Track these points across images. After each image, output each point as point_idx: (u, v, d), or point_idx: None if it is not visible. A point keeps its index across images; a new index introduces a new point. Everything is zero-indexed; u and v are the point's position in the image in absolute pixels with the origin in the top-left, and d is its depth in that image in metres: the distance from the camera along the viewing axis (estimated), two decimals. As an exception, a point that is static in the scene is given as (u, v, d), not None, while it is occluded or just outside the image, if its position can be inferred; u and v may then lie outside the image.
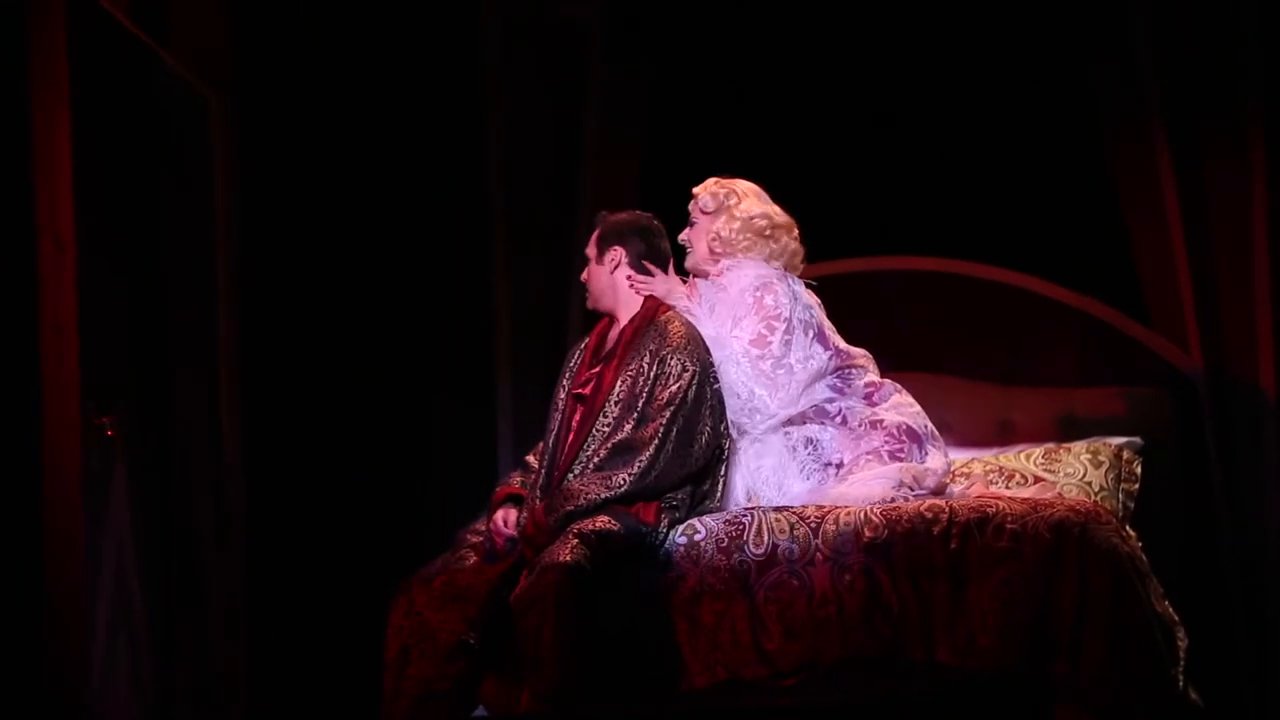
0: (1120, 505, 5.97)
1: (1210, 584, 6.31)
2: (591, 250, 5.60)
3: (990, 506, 5.27)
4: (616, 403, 5.41)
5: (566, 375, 5.60)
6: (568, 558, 5.09)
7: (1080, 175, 6.78)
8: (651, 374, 5.40)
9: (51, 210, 4.81)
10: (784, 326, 5.56)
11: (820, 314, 5.67)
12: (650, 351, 5.43)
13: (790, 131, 6.80)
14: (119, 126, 5.29)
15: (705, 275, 5.66)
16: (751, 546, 5.35)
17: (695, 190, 5.71)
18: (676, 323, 5.48)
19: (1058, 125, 6.80)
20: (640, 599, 5.32)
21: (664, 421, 5.37)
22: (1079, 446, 6.13)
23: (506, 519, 5.44)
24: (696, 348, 5.44)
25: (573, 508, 5.30)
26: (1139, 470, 6.14)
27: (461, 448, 6.59)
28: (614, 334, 5.59)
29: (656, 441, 5.36)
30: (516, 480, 5.61)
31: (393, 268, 6.60)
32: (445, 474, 6.49)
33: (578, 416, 5.48)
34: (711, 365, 5.48)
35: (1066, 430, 6.40)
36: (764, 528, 5.36)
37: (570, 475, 5.38)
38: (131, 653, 5.18)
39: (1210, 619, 6.09)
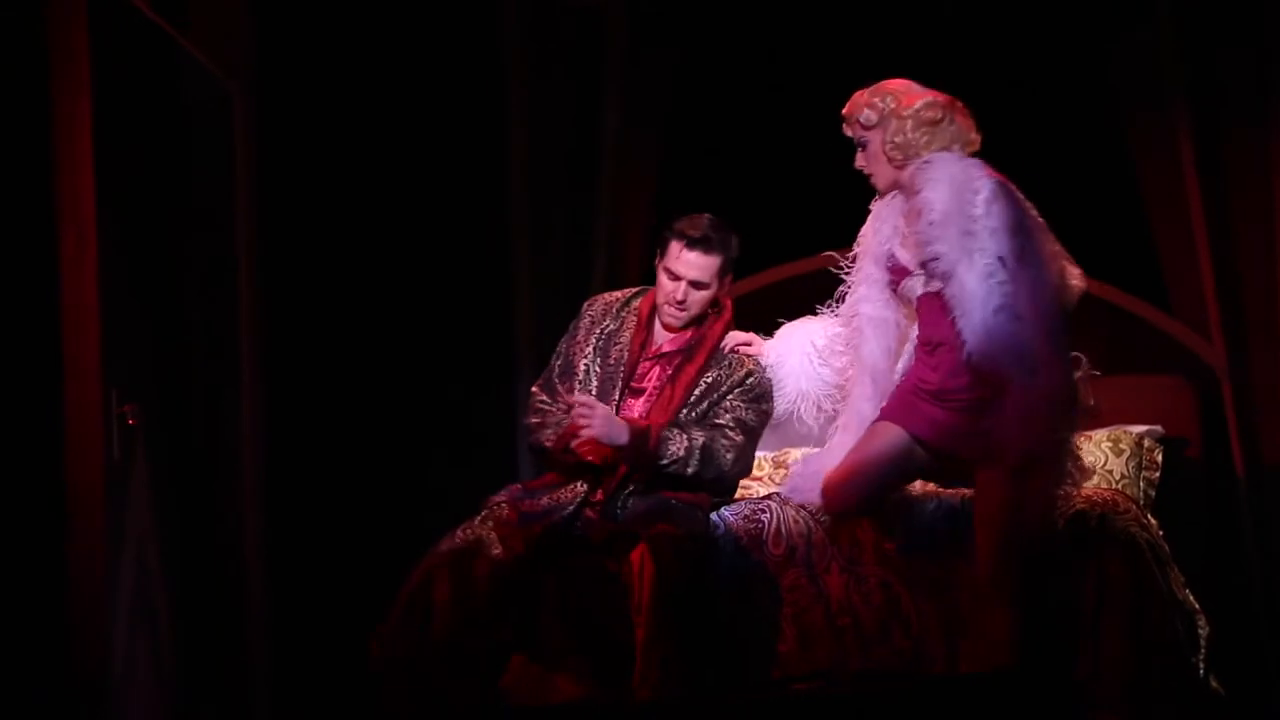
0: (1141, 493, 5.97)
1: (1232, 572, 6.30)
2: (716, 277, 5.43)
3: None
4: (702, 397, 5.43)
5: (601, 333, 5.53)
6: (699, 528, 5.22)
7: (1102, 164, 6.76)
8: (735, 384, 5.44)
9: (73, 202, 4.82)
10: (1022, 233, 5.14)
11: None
12: (735, 363, 5.47)
13: (812, 121, 6.78)
14: (140, 118, 5.29)
15: (892, 190, 5.24)
16: (770, 546, 5.34)
17: (846, 112, 5.20)
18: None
19: (1080, 114, 6.78)
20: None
21: (749, 429, 5.43)
22: (1100, 434, 6.12)
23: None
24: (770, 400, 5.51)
25: (683, 451, 5.31)
26: (1160, 458, 6.13)
27: (481, 437, 6.59)
28: (672, 334, 5.53)
29: (743, 442, 5.40)
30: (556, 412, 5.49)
31: (413, 258, 6.61)
32: (466, 464, 6.50)
33: (651, 392, 5.46)
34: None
35: (1088, 418, 6.38)
36: (782, 529, 5.35)
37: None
38: (152, 642, 5.19)
39: (1232, 607, 6.08)
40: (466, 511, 6.06)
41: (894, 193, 5.24)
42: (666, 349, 5.49)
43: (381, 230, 6.60)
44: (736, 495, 5.68)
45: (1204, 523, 6.32)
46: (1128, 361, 6.56)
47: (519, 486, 5.52)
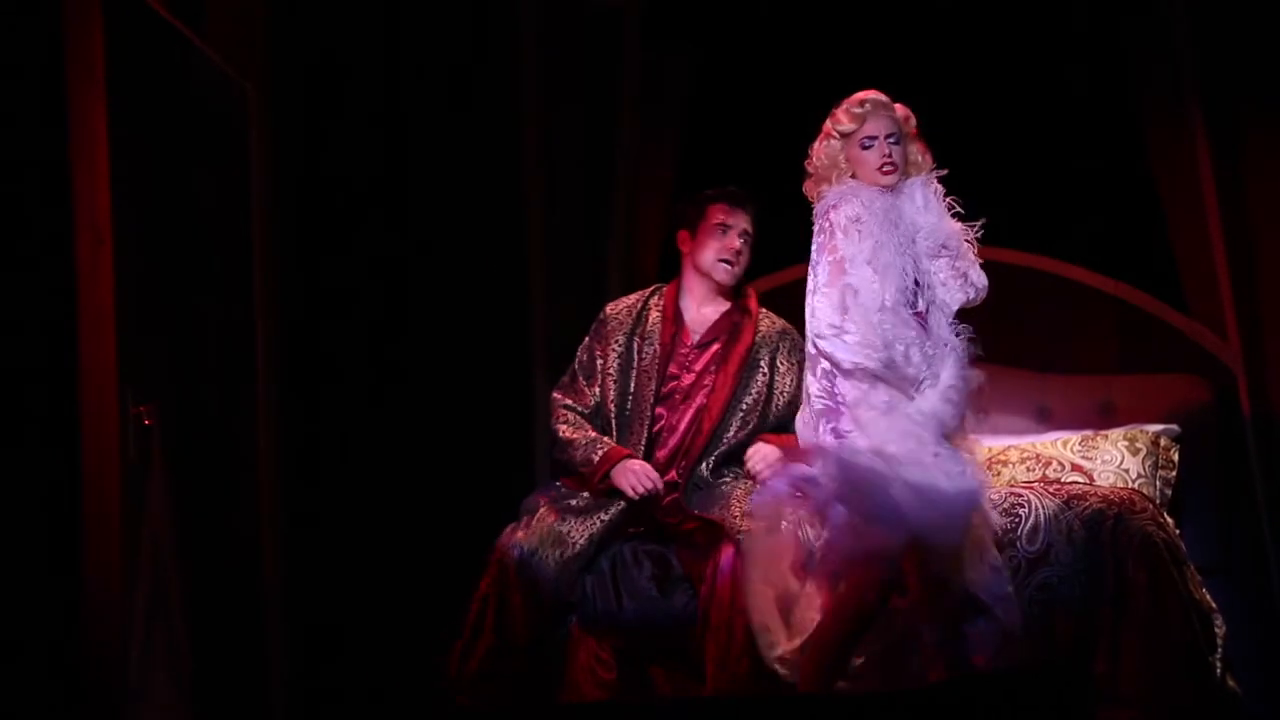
0: (1158, 492, 5.96)
1: (1249, 571, 6.29)
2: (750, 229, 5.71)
3: (1022, 507, 5.25)
4: (742, 412, 5.64)
5: (627, 336, 5.64)
6: None
7: (1118, 161, 6.76)
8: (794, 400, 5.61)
9: (90, 202, 4.82)
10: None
11: None
12: (794, 374, 5.67)
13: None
14: (156, 118, 5.29)
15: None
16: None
17: (893, 110, 5.43)
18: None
19: (1095, 110, 6.78)
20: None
21: None
22: (1116, 433, 6.12)
23: (650, 475, 5.50)
24: None
25: None
26: (1176, 457, 6.13)
27: (496, 435, 6.58)
28: (704, 313, 5.70)
29: None
30: (590, 432, 5.65)
31: (429, 257, 6.60)
32: (480, 463, 6.49)
33: (690, 411, 5.62)
34: None
35: (1104, 417, 6.38)
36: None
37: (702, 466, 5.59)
38: (169, 642, 5.19)
39: (1249, 605, 6.07)
40: (478, 509, 6.09)
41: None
42: (706, 337, 5.59)
43: (397, 229, 6.60)
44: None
45: (1220, 521, 6.31)
46: (1144, 360, 6.55)
47: (558, 487, 5.60)
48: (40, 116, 4.80)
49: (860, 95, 5.39)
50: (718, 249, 5.68)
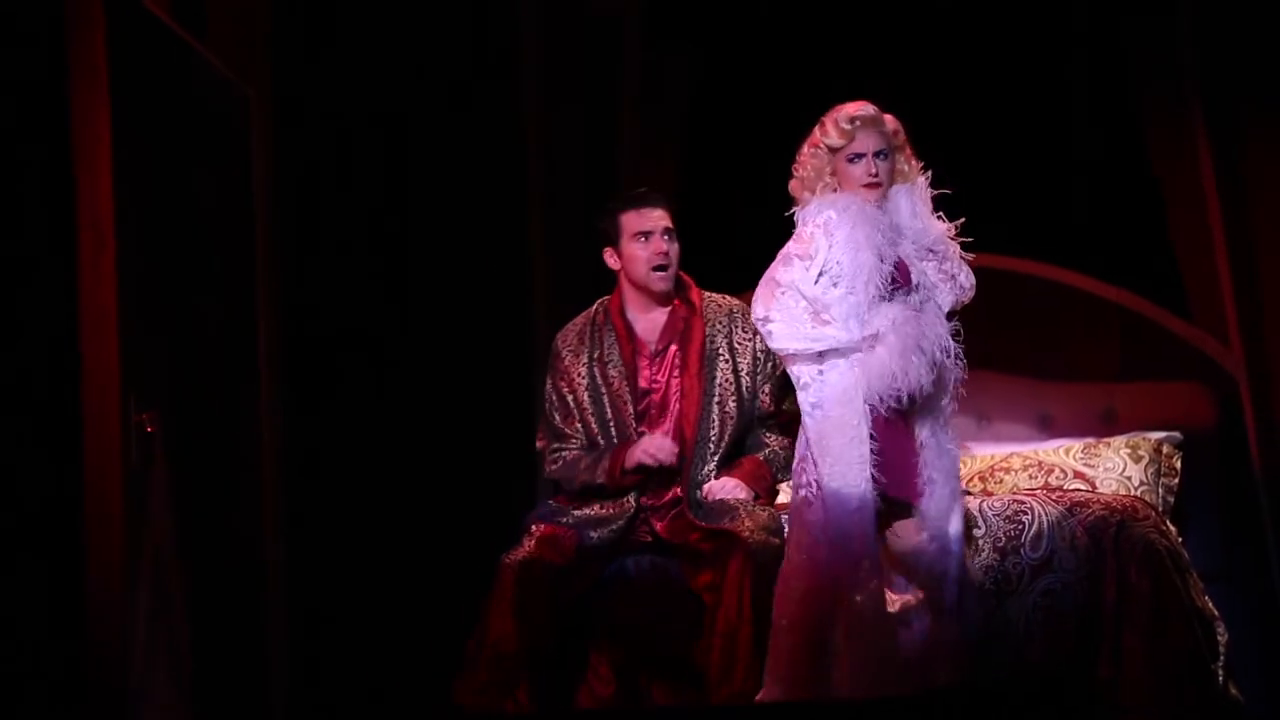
0: (1160, 500, 5.96)
1: (1251, 578, 6.29)
2: (670, 222, 5.63)
3: (1025, 514, 5.26)
4: (717, 407, 5.57)
5: (588, 360, 5.61)
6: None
7: (1120, 168, 6.75)
8: (764, 368, 5.58)
9: (92, 206, 4.82)
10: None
11: None
12: (753, 346, 5.60)
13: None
14: (158, 122, 5.29)
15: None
16: None
17: (883, 124, 5.33)
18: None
19: (1096, 116, 6.77)
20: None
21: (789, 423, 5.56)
22: (1119, 441, 6.13)
23: (665, 444, 5.47)
24: None
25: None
26: (1179, 465, 6.13)
27: (496, 436, 6.59)
28: (652, 318, 5.64)
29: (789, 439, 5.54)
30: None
31: (429, 258, 6.60)
32: (481, 461, 6.49)
33: (669, 423, 5.59)
34: None
35: (1106, 424, 6.39)
36: None
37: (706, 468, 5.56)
38: (171, 649, 5.19)
39: (1251, 613, 6.08)
40: (479, 510, 6.08)
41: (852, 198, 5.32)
42: (660, 344, 5.57)
43: (397, 230, 6.59)
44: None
45: (1222, 529, 6.32)
46: (1146, 367, 6.55)
47: (550, 505, 5.59)
48: (43, 121, 4.80)
49: (850, 110, 5.32)
50: (647, 257, 5.57)
